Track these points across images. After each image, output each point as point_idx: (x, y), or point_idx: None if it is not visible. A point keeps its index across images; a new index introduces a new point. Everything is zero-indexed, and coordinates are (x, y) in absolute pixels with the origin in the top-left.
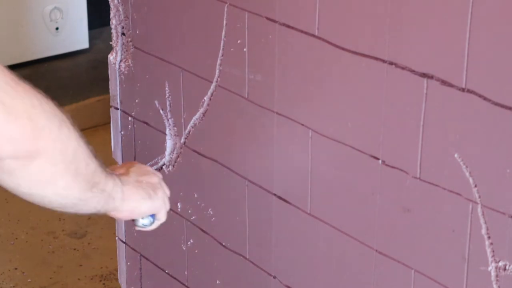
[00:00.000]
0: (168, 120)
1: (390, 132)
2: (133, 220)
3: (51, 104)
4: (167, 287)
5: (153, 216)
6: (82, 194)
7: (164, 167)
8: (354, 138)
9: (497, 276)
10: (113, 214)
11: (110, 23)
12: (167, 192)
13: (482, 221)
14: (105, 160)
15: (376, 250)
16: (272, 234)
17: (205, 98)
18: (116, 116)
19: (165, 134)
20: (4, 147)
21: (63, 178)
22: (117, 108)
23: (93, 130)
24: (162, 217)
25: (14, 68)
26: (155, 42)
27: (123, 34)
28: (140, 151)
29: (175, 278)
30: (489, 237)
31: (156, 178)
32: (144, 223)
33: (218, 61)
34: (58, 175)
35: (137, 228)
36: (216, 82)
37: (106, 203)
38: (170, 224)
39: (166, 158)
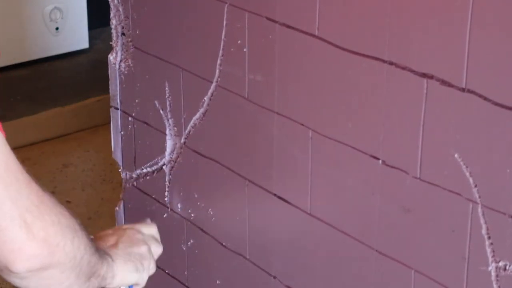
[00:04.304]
0: (168, 120)
1: (390, 132)
2: None
3: (67, 215)
4: (167, 287)
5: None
6: (82, 286)
7: (164, 167)
8: (354, 138)
9: (497, 276)
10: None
11: (110, 23)
12: (159, 251)
13: (482, 221)
14: (105, 160)
15: (376, 250)
16: (272, 234)
17: (205, 98)
18: (116, 116)
19: (165, 134)
20: (23, 264)
21: (69, 279)
22: (117, 108)
23: (93, 130)
24: (142, 284)
25: (14, 68)
26: (155, 42)
27: (123, 34)
28: (140, 151)
29: (175, 278)
30: (489, 237)
31: (144, 248)
32: None
33: (218, 61)
34: (64, 278)
35: None
36: (216, 82)
37: (99, 284)
38: (170, 224)
39: (166, 158)
